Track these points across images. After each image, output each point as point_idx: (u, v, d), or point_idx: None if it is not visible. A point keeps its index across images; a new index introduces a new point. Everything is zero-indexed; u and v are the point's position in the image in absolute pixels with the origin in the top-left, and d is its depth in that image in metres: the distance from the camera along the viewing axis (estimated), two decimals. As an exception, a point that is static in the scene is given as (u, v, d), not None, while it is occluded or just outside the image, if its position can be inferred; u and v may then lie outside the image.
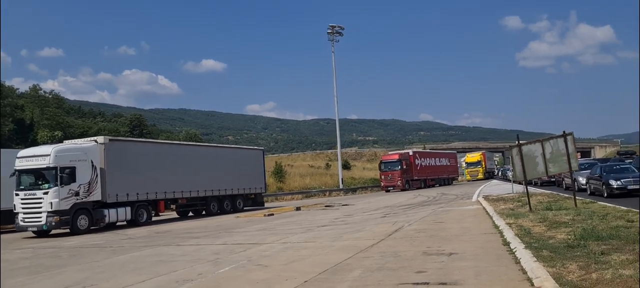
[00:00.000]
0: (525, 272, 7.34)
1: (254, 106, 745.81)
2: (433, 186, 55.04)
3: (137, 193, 23.47)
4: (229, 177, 29.33)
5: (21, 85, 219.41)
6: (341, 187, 54.40)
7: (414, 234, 13.15)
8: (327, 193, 50.54)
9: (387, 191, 50.04)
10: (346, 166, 68.45)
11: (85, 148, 21.70)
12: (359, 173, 71.02)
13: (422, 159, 55.93)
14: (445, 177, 61.24)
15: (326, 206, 29.68)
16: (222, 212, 28.76)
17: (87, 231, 20.99)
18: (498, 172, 76.33)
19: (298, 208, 28.34)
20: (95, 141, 22.50)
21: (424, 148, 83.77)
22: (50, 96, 75.66)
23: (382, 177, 52.26)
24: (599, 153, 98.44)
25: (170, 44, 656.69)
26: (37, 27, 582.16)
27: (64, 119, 73.52)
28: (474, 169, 71.48)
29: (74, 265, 11.76)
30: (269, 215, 24.66)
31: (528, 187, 26.45)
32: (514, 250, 9.14)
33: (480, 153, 74.56)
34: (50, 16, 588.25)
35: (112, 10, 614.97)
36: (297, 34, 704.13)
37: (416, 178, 53.25)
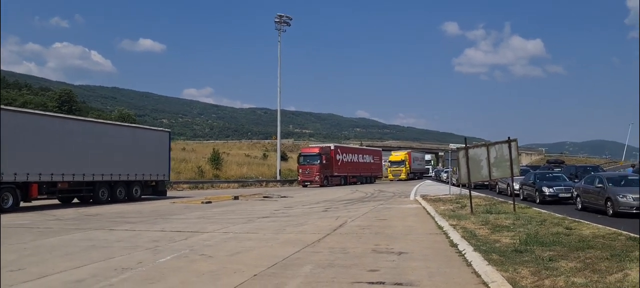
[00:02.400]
0: (478, 275, 7.32)
1: (191, 90, 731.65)
2: (354, 183, 53.30)
3: (1, 174, 19.61)
4: (124, 160, 25.80)
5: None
6: (279, 178, 54.03)
7: (359, 231, 13.05)
8: (264, 184, 50.04)
9: (304, 186, 47.75)
10: (283, 157, 68.04)
11: None
12: (296, 165, 70.71)
13: (344, 155, 53.49)
14: (368, 175, 59.12)
15: (265, 197, 29.27)
16: (114, 200, 25.24)
17: None
18: (432, 172, 77.89)
19: (236, 198, 27.77)
20: None
21: (361, 145, 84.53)
22: (-28, 63, 70.82)
23: (300, 170, 49.62)
24: (524, 160, 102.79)
25: (106, 19, 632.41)
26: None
27: (-13, 88, 69.13)
28: (396, 169, 67.74)
29: (-2, 246, 10.87)
30: (206, 202, 24.01)
31: (463, 189, 27.19)
32: (463, 252, 9.15)
33: (406, 152, 71.30)
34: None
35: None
36: (240, 21, 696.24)
37: (336, 174, 51.01)
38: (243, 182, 49.35)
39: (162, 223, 15.56)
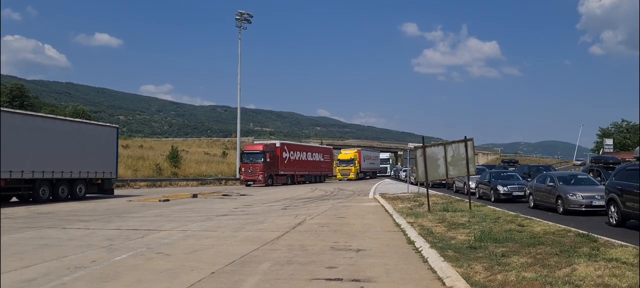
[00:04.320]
0: (434, 271, 7.46)
1: (149, 87, 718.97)
2: (302, 183, 51.76)
3: None
4: (66, 156, 24.71)
5: None
6: (238, 176, 53.64)
7: (318, 228, 13.10)
8: (224, 182, 49.62)
9: (248, 185, 45.91)
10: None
11: None
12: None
13: (291, 152, 51.40)
14: (318, 174, 57.36)
15: (224, 195, 29.04)
16: (56, 198, 24.30)
17: None
18: (391, 171, 78.34)
19: (195, 196, 27.45)
20: None
21: (321, 143, 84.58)
22: None
23: (243, 169, 47.33)
24: (481, 160, 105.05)
25: (61, 12, 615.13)
26: None
27: None
28: (345, 168, 64.12)
29: (-57, 245, 10.45)
30: (164, 200, 23.66)
31: (421, 188, 27.64)
32: (419, 249, 9.31)
33: (355, 150, 67.80)
34: None
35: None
36: (201, 17, 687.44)
37: (282, 173, 49.14)
38: (202, 180, 48.80)
39: (118, 221, 15.26)
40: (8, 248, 10.13)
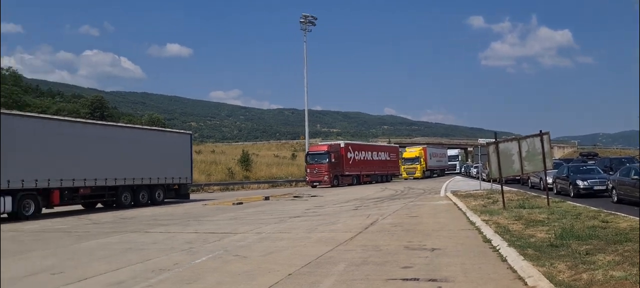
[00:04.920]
0: (514, 271, 7.25)
1: (218, 93, 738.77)
2: (368, 183, 50.90)
3: (22, 180, 19.49)
4: (146, 163, 25.66)
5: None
6: (307, 177, 54.15)
7: (391, 228, 13.03)
8: (294, 184, 50.26)
9: (313, 186, 45.76)
10: (312, 157, 67.97)
11: None
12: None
13: (356, 152, 50.59)
14: (384, 173, 56.02)
15: (295, 196, 29.43)
16: (137, 204, 25.29)
17: None
18: (462, 168, 76.61)
19: (267, 198, 27.97)
20: None
21: (389, 142, 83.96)
22: (7, 73, 72.94)
23: (308, 170, 46.87)
24: (557, 153, 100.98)
25: (134, 26, 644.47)
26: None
27: (21, 97, 71.12)
28: (411, 166, 62.30)
29: (40, 250, 11.21)
30: (238, 203, 24.25)
31: (494, 184, 26.90)
32: (497, 248, 9.08)
33: (420, 148, 65.90)
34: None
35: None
36: (265, 22, 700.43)
37: (347, 173, 48.48)
38: (273, 183, 49.65)
39: (196, 225, 15.79)
40: (97, 252, 10.72)
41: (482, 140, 33.36)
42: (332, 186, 44.82)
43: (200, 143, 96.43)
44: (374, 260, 8.66)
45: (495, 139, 16.10)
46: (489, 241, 9.98)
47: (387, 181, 55.26)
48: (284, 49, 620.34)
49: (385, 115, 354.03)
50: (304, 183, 51.00)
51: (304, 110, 59.18)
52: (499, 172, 15.93)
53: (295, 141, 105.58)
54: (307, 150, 51.68)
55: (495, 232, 10.78)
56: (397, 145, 68.42)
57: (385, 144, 71.07)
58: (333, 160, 46.25)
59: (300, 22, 56.52)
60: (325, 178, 45.27)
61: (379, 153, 55.99)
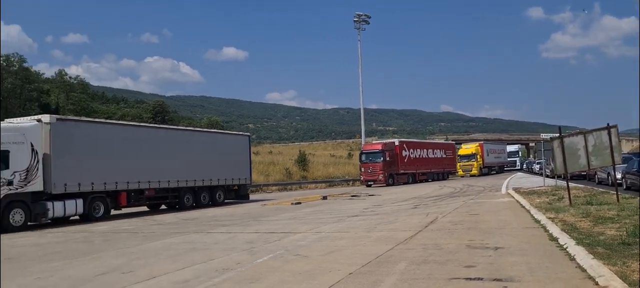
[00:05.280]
0: (583, 270, 6.98)
1: (274, 94, 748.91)
2: (424, 181, 50.03)
3: (92, 183, 20.15)
4: (206, 165, 26.19)
5: (46, 70, 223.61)
6: (365, 177, 54.00)
7: (452, 226, 12.82)
8: (351, 183, 50.25)
9: (368, 185, 45.22)
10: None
11: (23, 129, 18.25)
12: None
13: (411, 150, 49.85)
14: (440, 171, 55.04)
15: (352, 196, 29.42)
16: (199, 205, 25.87)
17: (23, 228, 17.62)
18: (524, 165, 74.39)
19: (325, 198, 28.09)
20: (39, 121, 18.99)
21: (447, 139, 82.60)
22: (75, 81, 76.39)
23: (362, 169, 46.62)
24: (625, 147, 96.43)
25: (192, 31, 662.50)
26: (62, 13, 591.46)
27: (89, 104, 74.34)
28: (467, 163, 60.82)
29: (109, 251, 11.68)
30: (296, 203, 24.46)
31: (558, 180, 25.97)
32: (564, 246, 8.76)
33: (477, 144, 63.96)
34: (75, 2, 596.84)
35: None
36: (318, 23, 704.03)
37: (402, 172, 47.71)
38: (330, 182, 49.83)
39: (256, 225, 16.04)
40: (163, 252, 11.07)
41: (544, 135, 32.30)
42: (387, 185, 44.43)
43: (257, 144, 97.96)
44: (435, 259, 8.54)
45: (560, 133, 15.53)
46: (555, 239, 9.66)
47: (444, 179, 54.31)
48: (338, 49, 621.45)
49: (442, 112, 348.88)
50: (361, 182, 50.89)
51: (360, 108, 59.08)
52: (564, 167, 15.38)
53: (351, 140, 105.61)
54: (361, 149, 51.45)
55: (562, 229, 10.41)
56: (453, 142, 67.06)
57: (441, 141, 69.86)
58: (388, 158, 45.81)
59: (354, 21, 56.49)
60: (380, 177, 44.88)
61: (435, 150, 55.05)
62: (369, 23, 57.14)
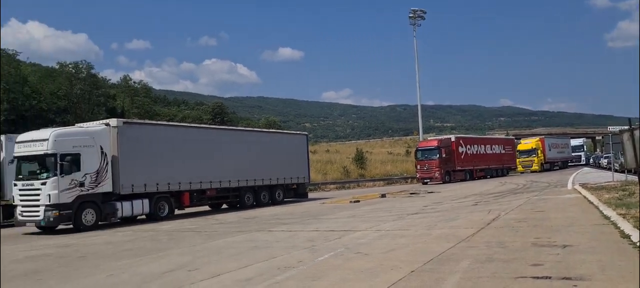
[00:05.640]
0: (660, 268, 6.66)
1: (330, 93, 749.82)
2: (482, 178, 48.45)
3: (157, 184, 20.85)
4: (266, 165, 26.51)
5: (112, 76, 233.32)
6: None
7: (516, 224, 12.49)
8: (409, 180, 49.75)
9: (424, 183, 44.39)
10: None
11: (93, 132, 19.08)
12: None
13: (468, 146, 48.53)
14: (499, 167, 53.21)
15: (411, 193, 29.15)
16: (259, 204, 26.05)
17: (95, 227, 18.41)
18: (588, 159, 71.55)
19: (383, 195, 27.95)
20: (107, 124, 19.81)
21: (507, 135, 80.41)
22: (139, 86, 79.10)
23: (418, 166, 45.96)
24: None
25: (248, 33, 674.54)
26: (126, 20, 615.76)
27: (152, 107, 76.85)
28: (526, 159, 58.38)
29: (175, 249, 12.05)
30: (355, 201, 24.46)
31: (629, 175, 24.79)
32: (637, 244, 8.38)
33: (537, 139, 61.38)
34: (138, 9, 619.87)
35: (193, 2, 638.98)
36: (373, 20, 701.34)
37: (459, 168, 46.81)
38: (388, 180, 49.52)
39: (315, 223, 16.15)
40: (225, 250, 11.32)
41: (612, 128, 30.95)
42: (444, 182, 43.66)
43: (314, 143, 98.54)
44: (499, 257, 8.35)
45: (630, 126, 14.85)
46: (627, 237, 9.25)
47: (503, 175, 52.66)
48: (394, 45, 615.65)
49: (502, 107, 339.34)
50: (416, 180, 50.27)
51: (417, 105, 58.43)
52: (636, 161, 14.69)
53: (408, 137, 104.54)
54: (416, 146, 50.75)
55: (635, 226, 9.94)
56: (513, 138, 64.91)
57: (501, 136, 67.94)
58: (444, 155, 44.99)
59: (409, 17, 55.92)
60: (436, 174, 44.20)
61: (493, 146, 53.40)
62: (424, 18, 56.53)
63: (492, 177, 50.12)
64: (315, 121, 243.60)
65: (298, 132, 33.03)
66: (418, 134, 60.34)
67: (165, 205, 21.39)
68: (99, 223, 18.79)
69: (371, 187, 45.42)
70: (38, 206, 17.52)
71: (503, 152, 54.86)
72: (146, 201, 20.36)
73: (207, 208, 25.13)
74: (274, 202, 27.15)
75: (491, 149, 52.65)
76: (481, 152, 50.57)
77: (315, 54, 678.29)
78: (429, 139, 54.31)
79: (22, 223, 18.41)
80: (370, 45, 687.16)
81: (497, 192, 25.86)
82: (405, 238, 11.30)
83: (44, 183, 17.48)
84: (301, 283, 7.53)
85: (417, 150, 47.54)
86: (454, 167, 46.23)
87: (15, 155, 18.40)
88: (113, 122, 19.93)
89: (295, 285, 7.44)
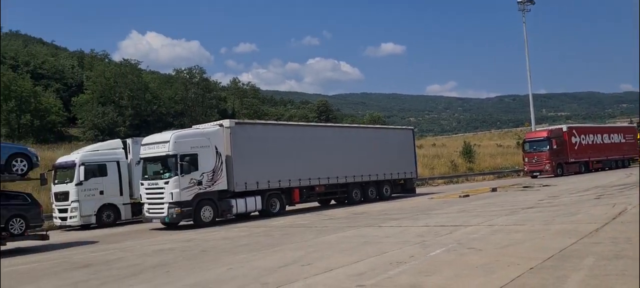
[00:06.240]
0: None
1: (434, 86, 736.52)
2: (599, 170, 44.61)
3: (269, 182, 21.35)
4: (373, 160, 26.33)
5: (222, 79, 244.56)
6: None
7: (646, 218, 11.58)
8: (521, 174, 47.45)
9: (533, 176, 41.22)
10: (539, 144, 63.54)
11: (208, 133, 20.03)
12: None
13: (582, 136, 44.79)
14: (619, 159, 48.45)
15: (524, 187, 27.87)
16: (366, 199, 25.95)
17: (212, 223, 19.25)
18: None
19: (494, 189, 26.95)
20: (221, 125, 20.58)
21: (631, 122, 74.31)
22: (247, 87, 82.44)
23: (526, 159, 42.93)
24: None
25: (350, 31, 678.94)
26: (233, 25, 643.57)
27: (260, 107, 79.73)
28: None
29: (288, 244, 12.43)
30: (464, 196, 23.82)
31: None
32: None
33: None
34: (244, 15, 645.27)
35: (296, 3, 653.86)
36: (478, 9, 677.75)
37: (573, 160, 43.17)
38: (498, 174, 47.65)
39: (425, 218, 15.94)
40: (337, 245, 11.51)
41: None
42: (555, 175, 40.79)
43: (420, 137, 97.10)
44: (628, 254, 7.80)
45: None
46: None
47: (624, 166, 48.50)
48: (501, 34, 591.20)
49: (623, 93, 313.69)
50: (524, 173, 47.81)
51: (527, 94, 55.76)
52: None
53: (518, 129, 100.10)
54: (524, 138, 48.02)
55: None
56: (635, 126, 59.54)
57: (624, 124, 62.52)
58: (555, 146, 41.69)
59: (518, 2, 53.33)
60: (547, 167, 41.15)
61: (611, 135, 48.74)
62: (534, 3, 53.61)
63: (610, 168, 46.45)
64: (419, 115, 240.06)
65: (404, 127, 32.71)
66: (530, 124, 57.40)
67: (277, 201, 21.97)
68: (216, 219, 19.70)
69: (480, 181, 43.96)
70: (162, 204, 18.67)
71: (623, 141, 50.12)
72: (258, 198, 21.01)
73: (316, 204, 25.59)
74: (381, 198, 27.03)
75: (609, 139, 48.37)
76: (598, 142, 46.63)
77: (417, 47, 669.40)
78: (537, 129, 51.17)
79: (149, 220, 19.75)
80: (475, 35, 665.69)
81: (621, 185, 24.04)
82: (521, 234, 10.85)
83: (166, 183, 18.58)
84: (414, 278, 7.49)
85: (524, 142, 45.04)
86: (566, 159, 43.08)
87: (141, 156, 19.79)
88: (226, 123, 20.76)
89: (408, 280, 7.41)
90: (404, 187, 29.15)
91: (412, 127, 32.24)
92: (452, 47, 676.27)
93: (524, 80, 54.02)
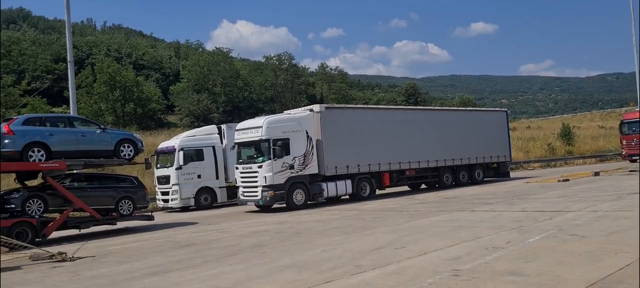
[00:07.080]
0: None
1: (528, 66, 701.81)
2: None
3: (358, 165, 21.43)
4: (464, 144, 25.74)
5: (310, 64, 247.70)
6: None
7: None
8: (620, 158, 44.55)
9: (632, 161, 35.64)
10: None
11: (299, 118, 20.35)
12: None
13: None
14: None
15: (631, 171, 26.11)
16: (458, 183, 25.52)
17: (304, 206, 19.56)
18: None
19: (597, 174, 25.47)
20: (311, 110, 20.88)
21: None
22: (335, 72, 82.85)
23: (624, 141, 37.84)
24: None
25: (438, 12, 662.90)
26: (320, 11, 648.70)
27: (348, 92, 79.89)
28: None
29: (380, 227, 12.47)
30: (563, 180, 22.70)
31: None
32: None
33: None
34: (330, 0, 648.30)
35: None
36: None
37: None
38: (601, 157, 44.97)
39: (521, 203, 15.38)
40: (430, 230, 11.41)
41: None
42: None
43: (513, 119, 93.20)
44: None
45: None
46: None
47: None
48: (602, 7, 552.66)
49: None
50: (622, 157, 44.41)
51: (633, 72, 51.88)
52: None
53: (623, 109, 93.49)
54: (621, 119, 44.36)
55: None
56: None
57: None
58: None
59: (623, -27, 49.70)
60: None
61: None
62: (641, -28, 49.70)
63: None
64: (512, 96, 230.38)
65: (496, 109, 31.54)
66: (635, 104, 53.42)
67: (367, 185, 22.03)
68: (308, 202, 20.04)
69: (581, 164, 41.72)
70: (256, 187, 19.30)
71: None
72: (348, 182, 21.18)
73: (406, 188, 25.37)
74: (473, 182, 26.35)
75: None
76: None
77: (510, 25, 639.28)
78: (636, 109, 47.23)
79: (244, 203, 20.40)
80: (573, 9, 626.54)
81: None
82: (629, 221, 10.21)
83: (260, 167, 19.13)
84: (512, 264, 7.29)
85: (622, 123, 41.40)
86: None
87: (236, 141, 20.50)
88: (316, 107, 21.05)
89: (506, 266, 7.22)
90: (497, 171, 28.22)
91: (506, 109, 31.01)
92: (548, 23, 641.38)
93: (630, 57, 50.31)
